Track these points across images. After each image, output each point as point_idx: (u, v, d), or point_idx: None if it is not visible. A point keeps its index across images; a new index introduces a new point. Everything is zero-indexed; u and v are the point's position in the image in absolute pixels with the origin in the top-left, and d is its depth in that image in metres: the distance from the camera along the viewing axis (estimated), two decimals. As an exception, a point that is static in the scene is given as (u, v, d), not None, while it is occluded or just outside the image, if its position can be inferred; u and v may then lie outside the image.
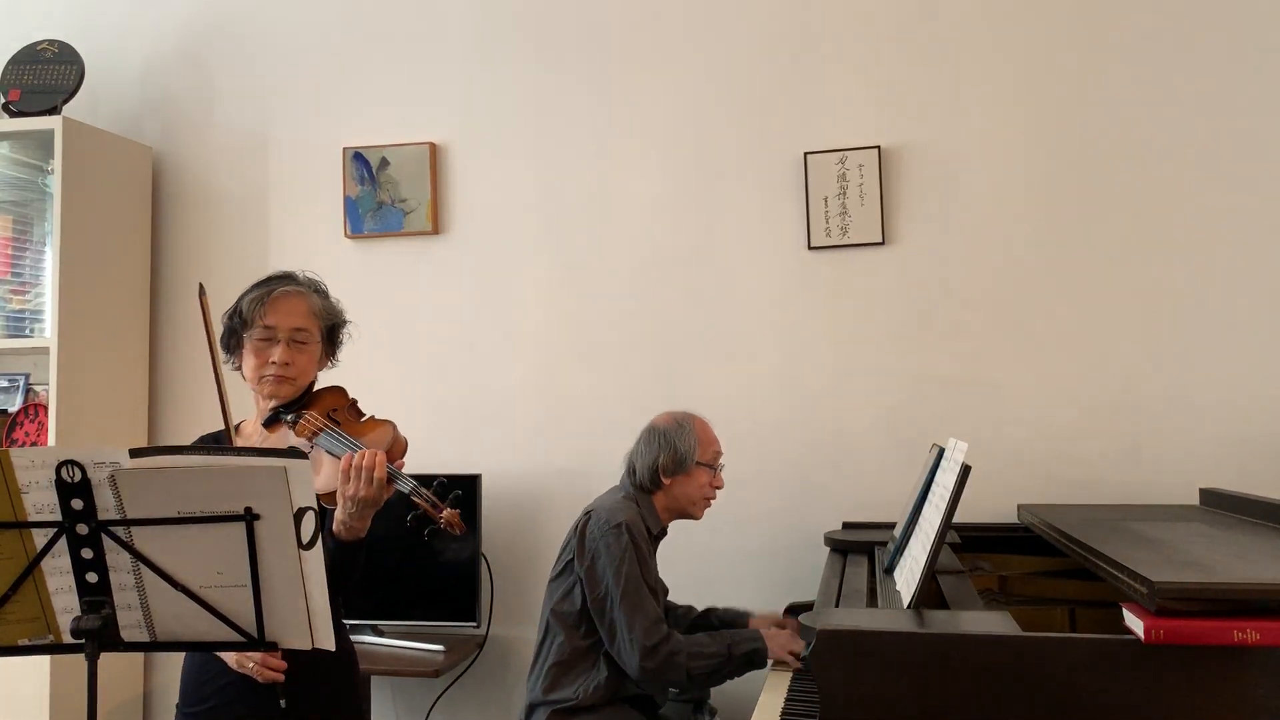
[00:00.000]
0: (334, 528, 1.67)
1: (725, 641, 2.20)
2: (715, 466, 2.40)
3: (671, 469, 2.33)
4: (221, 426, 1.91)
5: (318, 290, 1.91)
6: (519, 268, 3.03)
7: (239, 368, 1.86)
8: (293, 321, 1.81)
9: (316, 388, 1.89)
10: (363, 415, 1.86)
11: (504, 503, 2.96)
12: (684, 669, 2.15)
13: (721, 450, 2.43)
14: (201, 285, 1.80)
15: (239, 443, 1.85)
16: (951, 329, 2.76)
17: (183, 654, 1.79)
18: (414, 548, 2.85)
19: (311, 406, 1.81)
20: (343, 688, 1.87)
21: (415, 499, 1.66)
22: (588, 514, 2.30)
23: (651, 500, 2.36)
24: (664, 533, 2.43)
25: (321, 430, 1.74)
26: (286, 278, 1.87)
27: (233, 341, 1.84)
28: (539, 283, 3.02)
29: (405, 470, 1.72)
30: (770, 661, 2.19)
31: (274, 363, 1.78)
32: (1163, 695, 1.34)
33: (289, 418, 1.77)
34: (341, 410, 1.83)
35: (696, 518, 2.42)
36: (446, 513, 1.66)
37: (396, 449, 1.76)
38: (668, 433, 2.35)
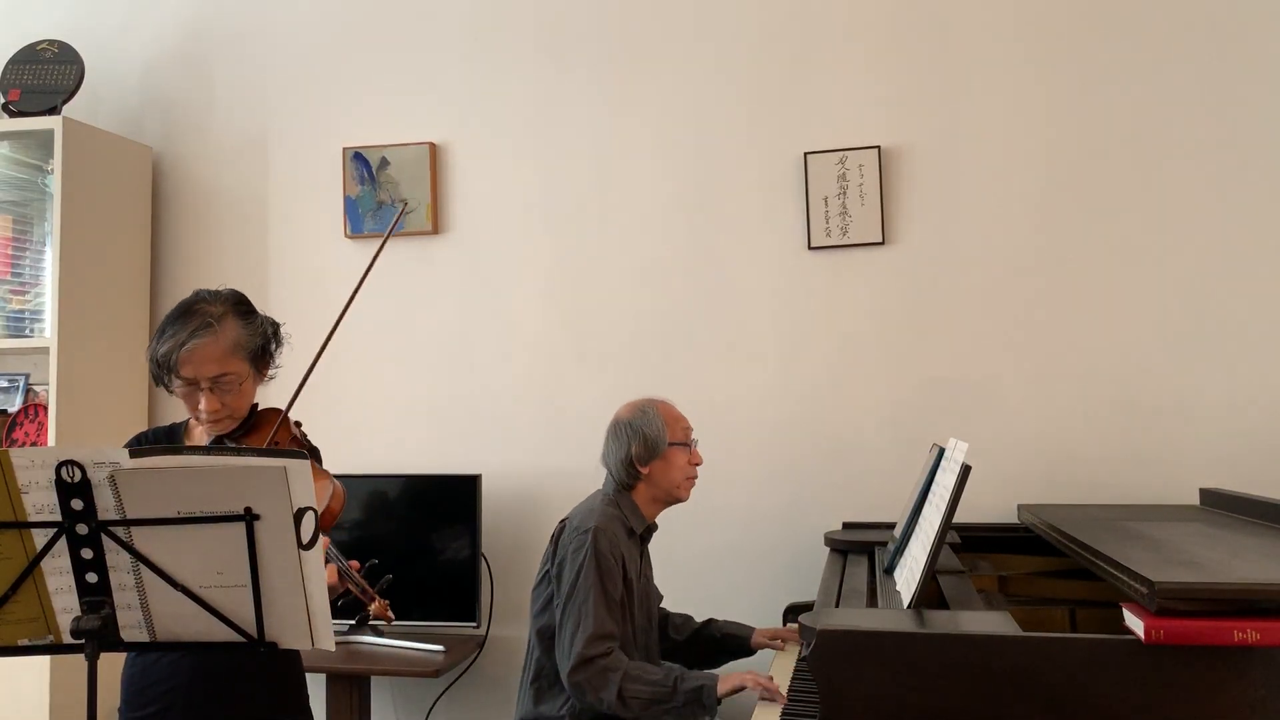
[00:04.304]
0: None
1: (673, 674, 2.06)
2: (689, 443, 2.34)
3: (646, 456, 2.26)
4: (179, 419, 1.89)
5: (237, 313, 1.77)
6: (519, 268, 3.03)
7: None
8: (210, 371, 1.70)
9: (260, 407, 1.82)
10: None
11: (504, 503, 2.96)
12: (616, 688, 2.02)
13: (691, 426, 2.36)
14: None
15: (188, 442, 1.83)
16: (952, 329, 2.76)
17: (122, 656, 1.70)
18: (414, 548, 2.87)
19: (253, 433, 1.75)
20: (286, 685, 1.84)
21: (347, 584, 1.58)
22: (563, 522, 2.27)
23: (632, 497, 2.30)
24: (651, 531, 2.36)
25: None
26: (197, 314, 1.72)
27: (162, 381, 1.74)
28: (539, 283, 3.02)
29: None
30: (719, 702, 2.01)
31: (203, 410, 1.72)
32: (1163, 695, 1.34)
33: (230, 448, 1.72)
34: (283, 447, 1.74)
35: (683, 499, 2.34)
36: (376, 604, 1.57)
37: (333, 507, 1.67)
38: (632, 422, 2.29)
